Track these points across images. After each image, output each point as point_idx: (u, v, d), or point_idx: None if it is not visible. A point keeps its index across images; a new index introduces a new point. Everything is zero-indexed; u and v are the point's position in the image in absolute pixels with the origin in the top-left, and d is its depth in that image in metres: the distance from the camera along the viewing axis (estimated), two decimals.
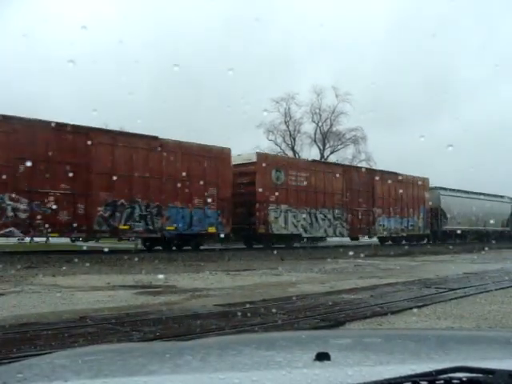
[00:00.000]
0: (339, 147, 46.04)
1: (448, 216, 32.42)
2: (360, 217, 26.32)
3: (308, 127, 46.12)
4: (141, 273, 10.72)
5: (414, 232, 30.13)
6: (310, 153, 45.37)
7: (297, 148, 45.91)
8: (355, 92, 52.60)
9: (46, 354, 1.48)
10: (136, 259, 13.43)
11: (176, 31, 59.08)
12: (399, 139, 57.64)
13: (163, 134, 19.80)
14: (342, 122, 45.22)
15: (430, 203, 31.13)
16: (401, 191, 28.33)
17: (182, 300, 7.26)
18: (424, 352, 1.24)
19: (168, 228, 18.84)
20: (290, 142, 46.04)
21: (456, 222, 32.76)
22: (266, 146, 43.93)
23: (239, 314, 5.59)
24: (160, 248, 19.63)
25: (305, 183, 23.51)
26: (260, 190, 21.38)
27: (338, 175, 25.04)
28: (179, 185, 18.79)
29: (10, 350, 3.94)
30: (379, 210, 27.57)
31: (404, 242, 28.51)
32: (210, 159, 19.99)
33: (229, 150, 21.04)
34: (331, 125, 45.62)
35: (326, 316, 5.66)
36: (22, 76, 49.54)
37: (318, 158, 44.41)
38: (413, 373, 0.94)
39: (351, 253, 16.43)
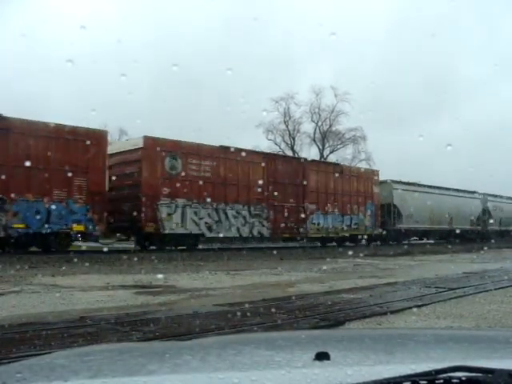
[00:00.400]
0: (339, 147, 46.12)
1: (403, 213, 29.06)
2: (286, 214, 22.41)
3: (307, 127, 46.19)
4: (140, 272, 10.73)
5: (360, 231, 26.25)
6: (310, 152, 45.41)
7: (296, 148, 45.97)
8: (355, 92, 52.64)
9: (45, 354, 1.48)
10: (135, 259, 13.43)
11: (176, 31, 59.07)
12: (399, 139, 57.72)
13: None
14: (341, 122, 45.30)
15: (382, 199, 28.12)
16: (342, 184, 25.35)
17: (181, 300, 7.26)
18: (423, 351, 1.24)
19: (15, 226, 15.56)
20: (289, 142, 46.12)
21: (413, 220, 29.73)
22: (266, 145, 43.97)
23: (239, 313, 5.59)
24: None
25: (210, 173, 19.99)
26: (147, 181, 18.22)
27: (257, 165, 21.53)
28: (32, 173, 15.60)
29: (10, 350, 3.94)
30: (312, 206, 23.91)
31: (348, 243, 25.60)
32: (76, 143, 16.48)
33: (104, 132, 18.03)
34: (330, 124, 45.71)
35: (325, 316, 5.66)
36: (21, 76, 49.53)
37: (317, 157, 44.53)
38: (412, 372, 0.94)
39: (350, 252, 16.45)
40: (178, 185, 18.80)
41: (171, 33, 58.98)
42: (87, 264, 12.26)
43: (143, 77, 43.95)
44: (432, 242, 31.63)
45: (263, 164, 21.90)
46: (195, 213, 19.49)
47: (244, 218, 21.16)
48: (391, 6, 68.48)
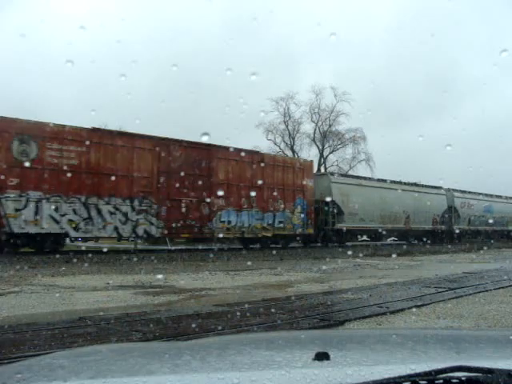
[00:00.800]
0: (338, 147, 46.05)
1: (345, 211, 25.06)
2: (184, 210, 18.74)
3: (307, 127, 46.15)
4: (140, 273, 10.74)
5: (286, 231, 22.42)
6: (310, 153, 45.38)
7: (296, 148, 45.95)
8: (355, 92, 52.73)
9: (45, 354, 1.48)
10: (135, 259, 13.44)
11: (175, 31, 59.11)
12: (399, 139, 57.65)
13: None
14: (341, 122, 45.24)
15: (319, 194, 24.28)
16: (263, 176, 21.45)
17: (181, 300, 7.26)
18: (423, 351, 1.25)
19: None
20: (289, 142, 46.10)
21: (359, 219, 25.99)
22: (266, 145, 43.97)
23: (238, 313, 5.60)
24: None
25: (78, 161, 16.46)
26: None
27: (145, 151, 18.18)
28: None
29: (10, 350, 3.94)
30: (221, 201, 20.11)
31: (277, 244, 22.28)
32: None
33: None
34: (330, 125, 45.66)
35: (325, 316, 5.66)
36: (20, 75, 49.54)
37: (317, 158, 44.48)
38: (412, 372, 0.94)
39: (350, 252, 16.45)
40: (30, 174, 15.52)
41: (171, 33, 59.06)
42: (87, 264, 12.27)
43: (143, 77, 43.97)
44: (388, 242, 29.06)
45: (155, 150, 18.39)
46: (55, 208, 15.99)
47: (125, 214, 17.54)
48: (391, 6, 68.56)
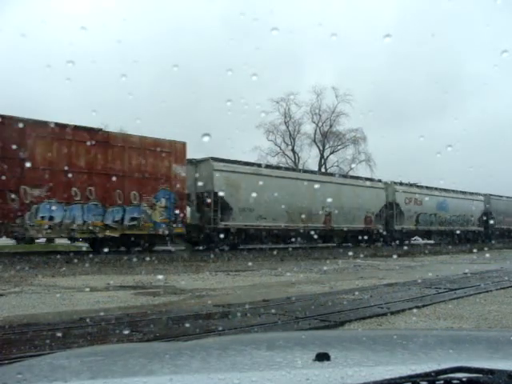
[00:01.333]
0: (339, 147, 46.04)
1: (233, 206, 20.42)
2: None
3: (308, 127, 46.12)
4: (141, 273, 10.74)
5: (144, 230, 18.19)
6: (310, 153, 45.36)
7: (296, 148, 45.92)
8: (356, 92, 52.63)
9: (45, 354, 1.48)
10: (136, 260, 13.44)
11: (176, 31, 59.10)
12: (400, 139, 57.62)
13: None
14: (342, 123, 45.23)
15: (200, 185, 20.14)
16: (106, 160, 17.34)
17: (181, 300, 7.26)
18: (424, 352, 1.25)
19: None
20: (289, 143, 46.09)
21: (255, 216, 21.10)
22: (266, 146, 43.94)
23: (239, 314, 5.60)
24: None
25: None
26: None
27: None
28: None
29: (10, 350, 3.94)
30: (39, 191, 15.74)
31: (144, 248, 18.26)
32: None
33: None
34: (331, 125, 45.66)
35: (325, 316, 5.66)
36: (21, 76, 49.57)
37: (317, 158, 44.41)
38: (413, 373, 0.94)
39: (350, 253, 16.45)
40: None
41: (172, 33, 59.07)
42: (87, 265, 12.27)
43: (143, 77, 43.95)
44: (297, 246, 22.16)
45: None
46: None
47: None
48: (392, 6, 68.53)
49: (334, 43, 49.88)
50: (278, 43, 54.60)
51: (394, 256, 18.68)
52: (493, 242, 31.63)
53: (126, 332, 4.75)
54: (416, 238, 30.78)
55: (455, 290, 8.09)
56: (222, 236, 19.14)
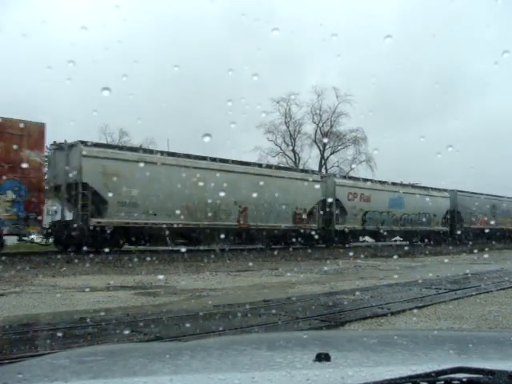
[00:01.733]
0: (339, 148, 46.01)
1: (109, 200, 17.04)
2: None
3: (308, 128, 46.08)
4: (141, 273, 10.73)
5: None
6: (311, 153, 45.32)
7: (297, 148, 45.90)
8: (357, 92, 52.59)
9: (46, 354, 1.48)
10: (136, 260, 13.43)
11: (176, 32, 59.11)
12: (400, 139, 57.60)
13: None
14: (342, 123, 45.19)
15: (70, 175, 16.61)
16: None
17: (182, 301, 7.25)
18: (424, 352, 1.25)
19: None
20: (290, 143, 46.07)
21: (141, 212, 17.89)
22: (267, 146, 43.90)
23: (239, 314, 5.60)
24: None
25: None
26: None
27: None
28: None
29: (11, 350, 3.94)
30: None
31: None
32: None
33: None
34: (331, 125, 45.64)
35: (326, 316, 5.66)
36: (21, 76, 49.59)
37: (318, 159, 44.38)
38: (413, 373, 0.94)
39: (351, 253, 16.45)
40: None
41: (173, 33, 59.06)
42: (88, 265, 12.27)
43: (144, 77, 43.96)
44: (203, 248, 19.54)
45: None
46: None
47: None
48: (393, 7, 68.48)
49: (335, 43, 49.91)
50: (278, 43, 54.64)
51: (395, 256, 18.66)
52: (457, 243, 27.30)
53: (127, 332, 4.75)
54: (365, 238, 27.07)
55: (455, 290, 8.09)
56: (93, 235, 16.41)
